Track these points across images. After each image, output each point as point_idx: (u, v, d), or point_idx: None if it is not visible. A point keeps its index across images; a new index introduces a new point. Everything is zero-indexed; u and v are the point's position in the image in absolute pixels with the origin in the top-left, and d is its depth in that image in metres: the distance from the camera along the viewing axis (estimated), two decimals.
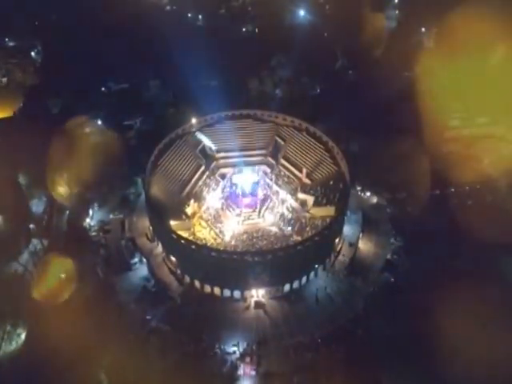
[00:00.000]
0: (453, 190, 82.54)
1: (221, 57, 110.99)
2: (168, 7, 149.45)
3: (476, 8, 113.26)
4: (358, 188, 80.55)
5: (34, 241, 67.35)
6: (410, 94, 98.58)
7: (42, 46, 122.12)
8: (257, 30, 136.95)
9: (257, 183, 78.41)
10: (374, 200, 79.73)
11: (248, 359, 56.66)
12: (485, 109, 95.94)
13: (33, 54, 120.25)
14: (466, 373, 53.41)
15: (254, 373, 55.81)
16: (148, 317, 60.61)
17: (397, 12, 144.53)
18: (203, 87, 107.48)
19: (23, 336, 56.90)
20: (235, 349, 57.78)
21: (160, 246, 68.47)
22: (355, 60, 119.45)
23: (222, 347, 58.00)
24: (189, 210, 70.72)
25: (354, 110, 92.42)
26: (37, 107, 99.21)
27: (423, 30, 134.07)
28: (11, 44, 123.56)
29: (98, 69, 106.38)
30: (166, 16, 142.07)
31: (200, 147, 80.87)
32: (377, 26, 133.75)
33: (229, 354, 57.56)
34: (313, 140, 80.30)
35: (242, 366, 56.29)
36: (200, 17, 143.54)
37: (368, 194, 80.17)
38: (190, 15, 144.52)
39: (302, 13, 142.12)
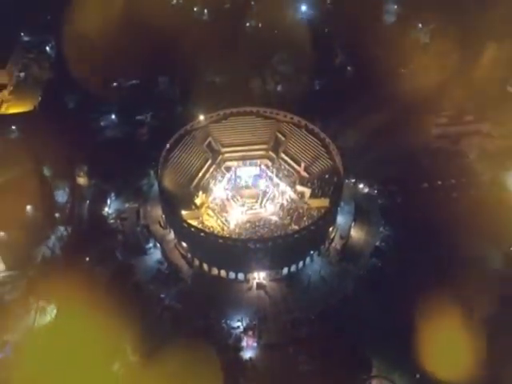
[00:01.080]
0: (440, 183, 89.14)
1: (225, 53, 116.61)
2: (174, 1, 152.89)
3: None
4: (352, 180, 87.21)
5: (60, 227, 74.73)
6: (404, 92, 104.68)
7: (56, 41, 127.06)
8: (260, 25, 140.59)
9: (259, 176, 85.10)
10: (367, 192, 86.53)
11: (250, 333, 64.66)
12: (472, 106, 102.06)
13: (47, 48, 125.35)
14: (444, 346, 60.55)
15: (255, 344, 63.82)
16: (162, 295, 68.49)
17: (395, 7, 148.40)
18: (208, 84, 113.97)
19: (53, 311, 64.65)
20: (239, 324, 65.82)
21: (172, 232, 76.03)
22: (354, 56, 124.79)
23: (228, 322, 66.04)
24: (198, 201, 77.92)
25: (351, 107, 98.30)
26: (54, 102, 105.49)
27: (420, 25, 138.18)
28: (26, 39, 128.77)
29: (108, 64, 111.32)
30: (172, 10, 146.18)
31: (207, 142, 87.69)
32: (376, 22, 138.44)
33: (233, 328, 65.62)
34: (311, 136, 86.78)
35: (245, 338, 64.31)
36: (205, 11, 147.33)
37: (361, 186, 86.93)
38: (195, 9, 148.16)
39: (303, 8, 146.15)
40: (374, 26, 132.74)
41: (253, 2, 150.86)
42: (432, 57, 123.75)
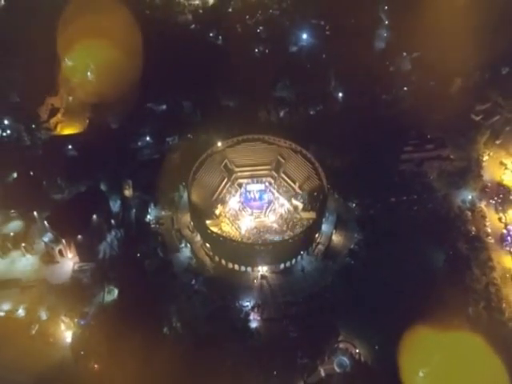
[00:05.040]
0: (404, 198, 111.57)
1: (237, 78, 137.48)
2: (193, 25, 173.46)
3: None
4: (336, 196, 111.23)
5: (116, 231, 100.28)
6: (382, 119, 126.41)
7: (96, 66, 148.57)
8: (267, 51, 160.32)
9: (264, 191, 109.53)
10: (347, 205, 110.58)
11: (256, 310, 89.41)
12: (437, 132, 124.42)
13: (88, 73, 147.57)
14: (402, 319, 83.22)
15: (259, 318, 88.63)
16: (192, 282, 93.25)
17: (385, 35, 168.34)
18: (223, 108, 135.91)
19: (116, 292, 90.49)
20: (248, 303, 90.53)
21: (198, 235, 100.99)
22: (345, 83, 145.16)
23: (239, 302, 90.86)
24: (217, 211, 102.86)
25: (338, 132, 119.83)
26: (99, 123, 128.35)
27: (404, 54, 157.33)
28: (70, 64, 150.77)
29: (141, 90, 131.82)
30: (190, 35, 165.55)
31: (223, 164, 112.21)
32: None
33: (243, 306, 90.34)
34: (304, 160, 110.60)
35: (251, 314, 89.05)
36: (220, 37, 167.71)
37: (342, 200, 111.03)
38: (211, 35, 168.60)
39: (304, 36, 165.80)
40: (365, 53, 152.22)
41: (261, 28, 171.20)
42: (410, 84, 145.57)
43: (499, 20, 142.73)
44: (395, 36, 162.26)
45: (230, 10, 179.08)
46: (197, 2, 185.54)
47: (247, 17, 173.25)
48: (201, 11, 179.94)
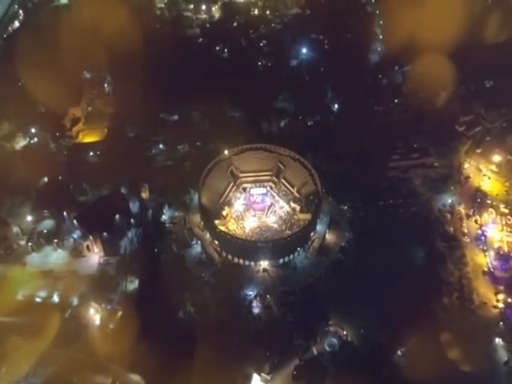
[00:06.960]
0: (391, 201, 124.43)
1: (242, 90, 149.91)
2: (200, 39, 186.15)
3: None
4: (330, 199, 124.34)
5: (136, 229, 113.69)
6: (371, 130, 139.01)
7: (112, 79, 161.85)
8: (269, 64, 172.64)
9: (265, 194, 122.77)
10: (339, 207, 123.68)
11: (258, 298, 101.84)
12: (423, 142, 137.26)
13: (105, 85, 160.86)
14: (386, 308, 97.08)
15: (260, 305, 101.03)
16: (203, 275, 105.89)
17: (379, 49, 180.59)
18: (229, 118, 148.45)
19: (137, 282, 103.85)
20: (251, 293, 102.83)
21: (208, 234, 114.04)
22: (340, 95, 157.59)
23: (244, 292, 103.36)
24: (224, 213, 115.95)
25: (333, 141, 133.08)
26: (117, 132, 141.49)
27: (396, 67, 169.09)
28: (88, 76, 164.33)
29: (154, 101, 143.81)
30: (198, 48, 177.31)
31: (229, 170, 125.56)
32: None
33: (247, 295, 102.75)
34: (302, 167, 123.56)
35: (254, 301, 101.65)
36: (226, 50, 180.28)
37: (336, 203, 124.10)
38: (217, 48, 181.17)
39: (304, 50, 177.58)
40: (360, 67, 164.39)
41: (264, 41, 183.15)
42: (401, 96, 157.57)
43: (483, 36, 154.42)
44: (388, 50, 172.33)
45: (235, 24, 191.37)
46: (204, 16, 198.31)
47: (251, 31, 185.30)
48: (207, 25, 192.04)
